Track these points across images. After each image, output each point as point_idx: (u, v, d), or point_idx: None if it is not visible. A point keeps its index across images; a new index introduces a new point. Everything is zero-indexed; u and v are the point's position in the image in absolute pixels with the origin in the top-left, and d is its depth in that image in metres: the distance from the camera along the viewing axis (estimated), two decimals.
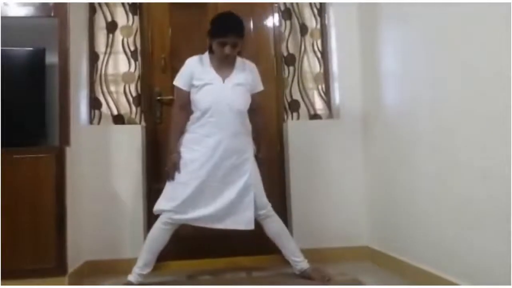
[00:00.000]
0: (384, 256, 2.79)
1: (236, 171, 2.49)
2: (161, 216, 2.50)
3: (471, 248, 1.96)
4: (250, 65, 2.64)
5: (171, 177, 2.49)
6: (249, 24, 3.29)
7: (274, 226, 2.58)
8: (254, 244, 2.89)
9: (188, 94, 2.54)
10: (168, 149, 2.58)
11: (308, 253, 2.64)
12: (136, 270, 2.48)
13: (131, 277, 2.47)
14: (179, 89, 2.56)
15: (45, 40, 2.68)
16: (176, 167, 2.48)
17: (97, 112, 3.05)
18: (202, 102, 2.49)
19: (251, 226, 2.47)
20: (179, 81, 2.57)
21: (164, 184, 2.54)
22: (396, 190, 2.66)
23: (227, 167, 2.47)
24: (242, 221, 2.47)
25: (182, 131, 2.57)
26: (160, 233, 2.49)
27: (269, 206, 2.57)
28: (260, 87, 2.66)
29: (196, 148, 2.49)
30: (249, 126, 2.61)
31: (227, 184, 2.47)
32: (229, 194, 2.46)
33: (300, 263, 2.58)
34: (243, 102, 2.54)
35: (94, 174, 2.92)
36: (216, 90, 2.49)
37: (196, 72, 2.53)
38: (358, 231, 3.06)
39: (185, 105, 2.56)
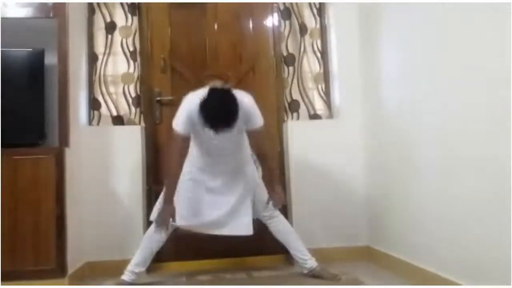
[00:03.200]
0: (385, 256, 2.79)
1: (235, 177, 2.51)
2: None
3: (471, 248, 1.96)
4: (245, 105, 2.31)
5: (165, 226, 2.40)
6: (248, 24, 3.29)
7: (279, 226, 2.60)
8: (254, 245, 2.89)
9: (188, 134, 2.40)
10: (166, 191, 2.42)
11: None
12: (129, 268, 2.48)
13: (124, 276, 2.48)
14: (179, 133, 2.37)
15: (44, 41, 2.68)
16: (173, 218, 2.40)
17: (96, 113, 3.04)
18: (197, 149, 2.50)
19: (249, 232, 2.48)
20: (180, 126, 2.35)
21: (163, 185, 2.53)
22: (396, 190, 2.66)
23: (226, 177, 2.50)
24: (241, 227, 2.48)
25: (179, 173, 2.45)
26: (157, 233, 2.49)
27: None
28: (258, 123, 2.39)
29: (195, 170, 2.51)
30: (248, 151, 2.58)
31: (227, 190, 2.49)
32: (229, 199, 2.48)
33: (308, 262, 2.59)
34: (238, 146, 2.51)
35: (94, 175, 2.92)
36: (210, 144, 2.43)
37: (193, 120, 2.31)
38: (358, 231, 3.06)
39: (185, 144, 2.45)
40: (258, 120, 2.39)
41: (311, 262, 2.59)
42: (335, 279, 2.53)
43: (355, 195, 3.08)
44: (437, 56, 2.19)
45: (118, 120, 3.06)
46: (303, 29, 3.23)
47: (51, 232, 2.48)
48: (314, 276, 2.57)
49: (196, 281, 2.67)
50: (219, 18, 3.26)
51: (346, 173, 3.10)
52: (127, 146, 2.99)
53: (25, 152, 2.53)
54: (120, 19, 3.10)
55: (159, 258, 2.71)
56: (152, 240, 2.50)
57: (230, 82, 3.20)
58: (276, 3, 3.25)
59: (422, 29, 2.33)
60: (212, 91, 2.24)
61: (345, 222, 3.06)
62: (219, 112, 2.20)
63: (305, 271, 2.60)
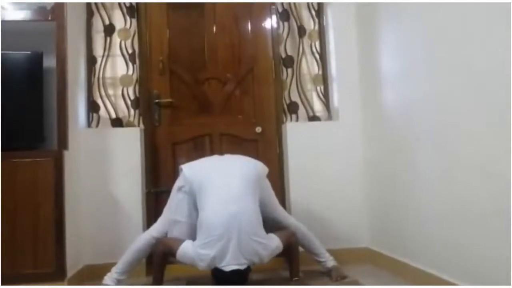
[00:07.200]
0: (385, 258, 2.79)
1: None
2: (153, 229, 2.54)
3: (471, 248, 1.96)
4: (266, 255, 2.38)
5: None
6: (247, 26, 3.30)
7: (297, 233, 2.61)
8: None
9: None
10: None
11: (308, 255, 2.67)
12: (115, 275, 2.49)
13: (109, 281, 2.47)
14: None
15: (42, 44, 2.68)
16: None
17: (95, 115, 3.03)
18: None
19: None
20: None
21: (162, 187, 2.51)
22: (396, 191, 2.66)
23: None
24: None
25: None
26: (146, 244, 2.51)
27: (281, 218, 2.62)
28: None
29: None
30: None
31: None
32: None
33: (323, 263, 2.66)
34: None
35: (93, 178, 2.92)
36: None
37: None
38: (358, 233, 3.06)
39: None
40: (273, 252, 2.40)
41: (326, 264, 2.65)
42: (336, 279, 2.56)
43: (354, 197, 3.08)
44: (436, 57, 2.19)
45: (117, 122, 3.06)
46: (301, 30, 3.23)
47: (50, 235, 2.47)
48: (327, 274, 2.64)
49: (196, 283, 2.67)
50: (218, 20, 3.26)
51: (346, 174, 3.10)
52: (126, 149, 2.99)
53: (24, 155, 2.52)
54: (118, 21, 3.10)
55: None
56: (142, 251, 2.52)
57: (229, 84, 3.22)
58: (274, 4, 3.25)
59: (420, 30, 2.33)
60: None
61: (345, 224, 3.05)
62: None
63: (324, 270, 2.66)
